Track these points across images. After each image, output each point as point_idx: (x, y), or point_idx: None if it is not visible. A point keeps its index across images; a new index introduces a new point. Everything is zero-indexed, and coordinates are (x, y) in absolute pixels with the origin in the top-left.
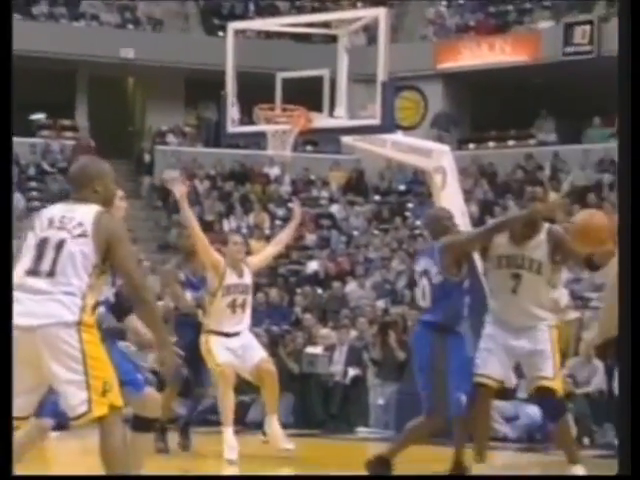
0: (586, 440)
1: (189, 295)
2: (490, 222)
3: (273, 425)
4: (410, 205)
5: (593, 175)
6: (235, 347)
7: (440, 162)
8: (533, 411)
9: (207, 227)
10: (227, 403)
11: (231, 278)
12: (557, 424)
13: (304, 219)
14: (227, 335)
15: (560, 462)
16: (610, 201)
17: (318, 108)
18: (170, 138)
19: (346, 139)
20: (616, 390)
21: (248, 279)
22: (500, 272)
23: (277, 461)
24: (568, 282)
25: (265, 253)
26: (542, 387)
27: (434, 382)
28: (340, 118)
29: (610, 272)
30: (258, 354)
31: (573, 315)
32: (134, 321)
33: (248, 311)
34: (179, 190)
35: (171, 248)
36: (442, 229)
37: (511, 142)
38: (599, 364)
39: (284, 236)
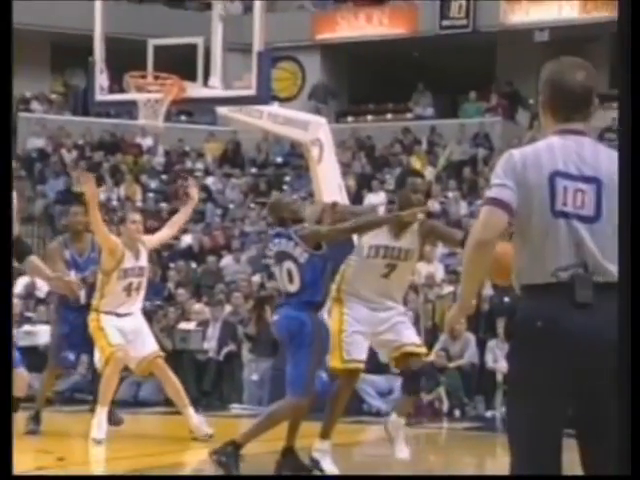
0: (457, 412)
1: (73, 275)
2: (354, 220)
3: (189, 416)
4: (287, 178)
5: (469, 149)
6: (126, 330)
7: (317, 135)
8: None
9: (75, 199)
10: (111, 385)
11: (129, 262)
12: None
13: (179, 192)
14: (118, 315)
15: (434, 434)
16: (484, 175)
17: (192, 77)
18: (35, 105)
19: (221, 110)
20: (489, 362)
21: (144, 261)
22: (375, 261)
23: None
24: (443, 257)
25: (161, 234)
26: (407, 352)
27: (314, 362)
28: (215, 88)
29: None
30: (149, 346)
31: (447, 289)
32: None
33: (142, 293)
34: (90, 191)
35: (35, 220)
36: (287, 214)
37: (389, 115)
38: (471, 337)
39: (181, 217)
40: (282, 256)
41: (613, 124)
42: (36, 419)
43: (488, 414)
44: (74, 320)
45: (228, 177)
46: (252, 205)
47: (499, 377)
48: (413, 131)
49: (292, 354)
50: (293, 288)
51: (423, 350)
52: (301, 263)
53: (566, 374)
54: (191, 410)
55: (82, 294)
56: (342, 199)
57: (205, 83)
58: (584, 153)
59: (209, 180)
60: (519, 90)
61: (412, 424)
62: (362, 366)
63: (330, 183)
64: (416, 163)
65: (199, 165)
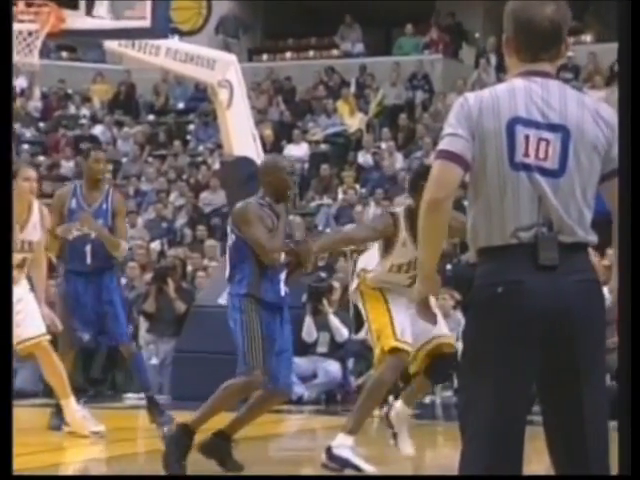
0: (391, 398)
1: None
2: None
3: (70, 410)
4: (191, 127)
5: (405, 92)
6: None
7: (226, 75)
8: (334, 368)
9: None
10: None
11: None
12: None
13: (59, 144)
14: None
15: (366, 423)
16: (423, 122)
17: (73, 5)
18: None
19: (110, 44)
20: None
21: (33, 234)
22: (397, 276)
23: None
24: None
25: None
26: (441, 344)
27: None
28: (101, 18)
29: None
30: (34, 327)
31: None
32: None
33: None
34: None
35: None
36: (276, 182)
37: (311, 53)
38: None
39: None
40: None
41: (569, 62)
42: (58, 413)
43: (427, 400)
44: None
45: (120, 126)
46: (149, 159)
47: None
48: (340, 71)
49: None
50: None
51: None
52: (229, 244)
53: (530, 345)
54: (73, 402)
55: (87, 252)
56: (257, 151)
57: (89, 12)
58: (550, 98)
59: (97, 129)
60: (463, 23)
61: (339, 412)
62: (411, 351)
63: (242, 133)
64: (343, 108)
65: (84, 111)
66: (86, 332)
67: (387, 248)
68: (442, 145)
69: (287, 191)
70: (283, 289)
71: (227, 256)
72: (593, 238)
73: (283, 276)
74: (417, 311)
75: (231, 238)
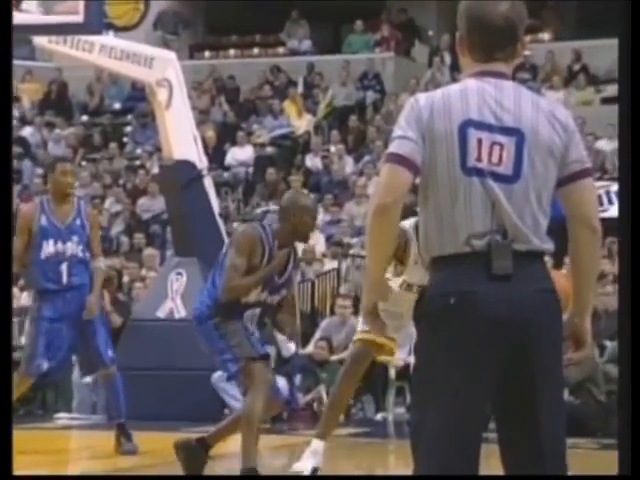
0: (340, 416)
1: (51, 246)
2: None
3: None
4: (128, 128)
5: (355, 92)
6: None
7: (165, 73)
8: (280, 384)
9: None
10: None
11: None
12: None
13: None
14: None
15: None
16: (374, 124)
17: None
18: None
19: (40, 41)
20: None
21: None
22: (408, 294)
23: None
24: (324, 225)
25: None
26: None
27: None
28: (30, 13)
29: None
30: None
31: (329, 265)
32: None
33: None
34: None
35: None
36: (298, 223)
37: (256, 50)
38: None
39: None
40: None
41: (526, 61)
42: (126, 435)
43: (378, 417)
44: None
45: (51, 127)
46: (83, 163)
47: (392, 372)
48: (286, 70)
49: None
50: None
51: None
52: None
53: (484, 359)
54: None
55: (63, 271)
56: (198, 154)
57: (17, 6)
58: (504, 99)
59: (26, 131)
60: (415, 19)
61: (285, 431)
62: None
63: (182, 134)
64: (290, 109)
65: (13, 112)
66: (45, 361)
67: (399, 266)
68: (391, 148)
69: (308, 234)
70: (252, 327)
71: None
72: (549, 246)
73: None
74: (365, 321)
75: (223, 252)
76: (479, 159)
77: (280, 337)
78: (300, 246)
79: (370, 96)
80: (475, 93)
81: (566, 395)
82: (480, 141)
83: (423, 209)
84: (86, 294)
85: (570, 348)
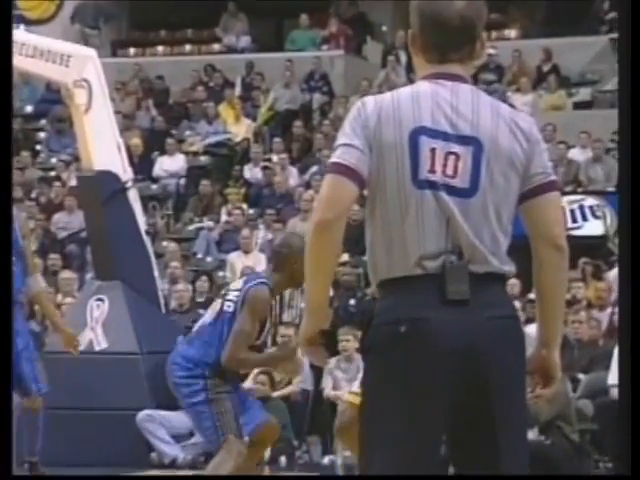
0: (283, 459)
1: None
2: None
3: None
4: (42, 135)
5: (300, 95)
6: None
7: (83, 73)
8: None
9: None
10: None
11: None
12: None
13: None
14: None
15: None
16: (321, 131)
17: None
18: None
19: None
20: (327, 389)
21: None
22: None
23: None
24: (266, 243)
25: None
26: None
27: None
28: None
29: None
30: None
31: None
32: None
33: None
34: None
35: None
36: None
37: (187, 47)
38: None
39: None
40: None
41: (491, 60)
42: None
43: (325, 460)
44: None
45: None
46: None
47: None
48: (222, 69)
49: None
50: None
51: None
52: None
53: (438, 392)
54: None
55: None
56: (122, 164)
57: None
58: (460, 105)
59: None
60: (367, 13)
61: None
62: None
63: (104, 142)
64: (227, 114)
65: None
66: None
67: None
68: (334, 157)
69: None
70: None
71: (212, 314)
72: (509, 268)
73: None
74: (303, 352)
75: (232, 304)
76: (432, 170)
77: None
78: (237, 267)
79: (317, 99)
80: (428, 97)
81: (535, 434)
82: (433, 151)
83: (370, 226)
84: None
85: (538, 384)
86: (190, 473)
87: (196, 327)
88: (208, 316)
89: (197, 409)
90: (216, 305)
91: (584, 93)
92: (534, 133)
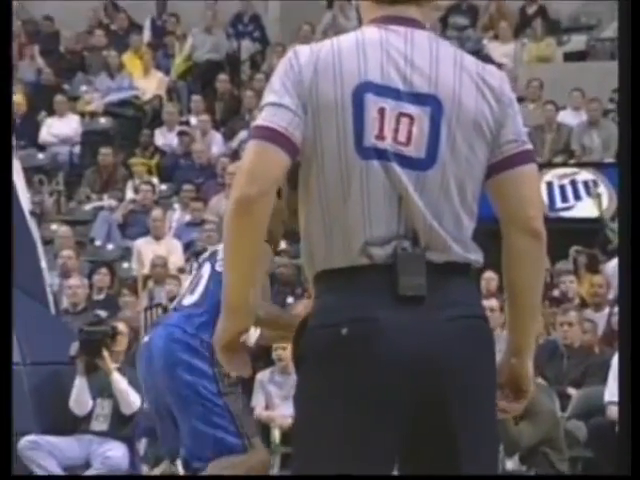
0: None
1: None
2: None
3: None
4: None
5: (223, 41)
6: None
7: None
8: (117, 452)
9: None
10: None
11: None
12: None
13: None
14: None
15: None
16: (252, 87)
17: None
18: None
19: None
20: (258, 407)
21: None
22: None
23: None
24: (181, 227)
25: None
26: None
27: None
28: None
29: None
30: None
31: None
32: None
33: None
34: None
35: None
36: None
37: None
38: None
39: None
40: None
41: (462, 1)
42: None
43: None
44: None
45: None
46: None
47: (276, 435)
48: (127, 8)
49: None
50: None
51: None
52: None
53: (387, 408)
54: None
55: None
56: None
57: None
58: (416, 56)
59: None
60: None
61: None
62: None
63: None
64: (133, 65)
65: None
66: None
67: None
68: (260, 119)
69: None
70: None
71: (200, 279)
72: (476, 256)
73: None
74: (221, 359)
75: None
76: (381, 136)
77: (120, 386)
78: (145, 256)
79: (246, 47)
80: (377, 46)
81: (515, 463)
82: (382, 112)
83: (304, 205)
84: None
85: (507, 398)
86: None
87: (182, 300)
88: (197, 286)
89: (207, 403)
90: (203, 271)
91: (577, 41)
92: (506, 91)
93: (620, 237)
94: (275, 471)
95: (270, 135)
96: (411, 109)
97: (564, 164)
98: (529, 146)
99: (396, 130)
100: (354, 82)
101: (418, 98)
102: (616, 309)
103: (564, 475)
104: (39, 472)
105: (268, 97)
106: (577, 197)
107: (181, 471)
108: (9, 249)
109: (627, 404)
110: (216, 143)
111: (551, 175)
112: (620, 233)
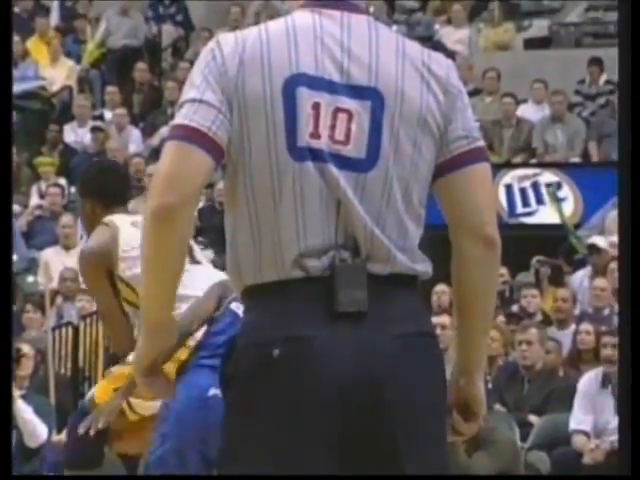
0: None
1: None
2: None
3: None
4: None
5: (143, 26)
6: None
7: None
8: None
9: None
10: None
11: None
12: None
13: None
14: None
15: None
16: (174, 77)
17: None
18: None
19: None
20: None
21: None
22: None
23: None
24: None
25: None
26: None
27: None
28: None
29: None
30: None
31: None
32: None
33: None
34: None
35: None
36: None
37: None
38: None
39: None
40: None
41: None
42: None
43: None
44: None
45: None
46: None
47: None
48: None
49: None
50: None
51: None
52: None
53: (324, 437)
54: None
55: None
56: None
57: None
58: (354, 44)
59: None
60: None
61: None
62: None
63: None
64: (38, 52)
65: None
66: None
67: None
68: (180, 118)
69: None
70: None
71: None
72: (424, 267)
73: None
74: (141, 383)
75: None
76: (316, 135)
77: (25, 415)
78: (53, 268)
79: (168, 32)
80: (310, 34)
81: None
82: (317, 107)
83: (231, 212)
84: None
85: (457, 421)
86: None
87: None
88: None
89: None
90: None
91: (538, 26)
92: (453, 81)
93: (620, 239)
94: None
95: (191, 135)
96: (349, 104)
97: (525, 164)
98: (481, 143)
99: (333, 127)
100: (284, 74)
101: (357, 91)
102: (582, 327)
103: (564, 475)
104: None
105: (188, 93)
106: (539, 201)
107: None
108: (9, 249)
109: (627, 388)
110: (133, 140)
111: (510, 177)
112: (620, 237)
